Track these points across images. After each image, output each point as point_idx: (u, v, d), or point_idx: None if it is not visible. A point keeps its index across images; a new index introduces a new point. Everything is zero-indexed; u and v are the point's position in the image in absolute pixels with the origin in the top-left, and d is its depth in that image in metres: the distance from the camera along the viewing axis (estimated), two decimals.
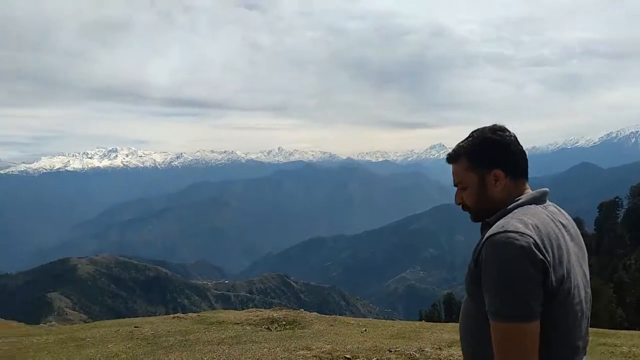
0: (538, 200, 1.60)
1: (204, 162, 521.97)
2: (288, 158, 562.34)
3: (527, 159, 1.66)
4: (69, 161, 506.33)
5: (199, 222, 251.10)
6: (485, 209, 1.67)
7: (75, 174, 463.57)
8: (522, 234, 1.43)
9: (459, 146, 1.72)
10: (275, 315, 8.95)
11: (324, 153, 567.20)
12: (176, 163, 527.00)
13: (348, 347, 6.04)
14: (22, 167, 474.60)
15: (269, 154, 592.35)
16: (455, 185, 1.74)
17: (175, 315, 9.87)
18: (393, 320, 14.23)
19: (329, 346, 6.04)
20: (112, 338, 7.00)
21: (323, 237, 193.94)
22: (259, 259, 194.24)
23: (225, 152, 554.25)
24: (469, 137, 1.72)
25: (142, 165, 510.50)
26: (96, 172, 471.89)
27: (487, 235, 1.51)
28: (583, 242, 1.63)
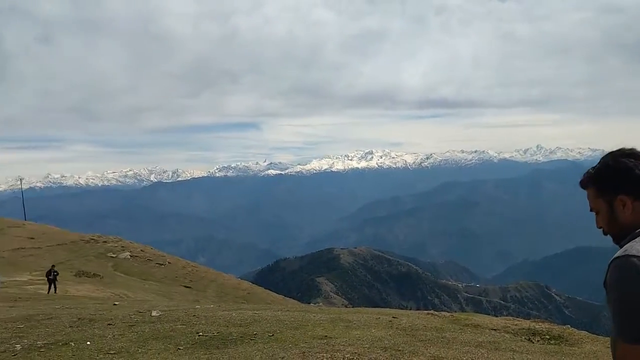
0: None
1: (453, 162, 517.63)
2: (548, 157, 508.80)
3: None
4: (333, 163, 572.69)
5: (448, 222, 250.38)
6: (617, 232, 1.72)
7: (338, 174, 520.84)
8: None
9: (588, 173, 1.79)
10: (537, 327, 8.22)
11: (594, 150, 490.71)
12: (426, 164, 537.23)
13: None
14: (298, 168, 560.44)
15: (525, 152, 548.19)
16: (591, 211, 1.81)
17: (429, 312, 10.08)
18: None
19: None
20: (374, 324, 7.60)
21: (593, 247, 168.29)
22: (514, 265, 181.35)
23: (475, 151, 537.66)
24: (598, 163, 1.78)
25: (394, 166, 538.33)
26: (355, 172, 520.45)
27: (611, 258, 1.60)
28: None
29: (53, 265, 21.82)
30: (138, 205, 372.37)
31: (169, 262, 45.45)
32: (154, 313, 8.17)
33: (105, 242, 46.85)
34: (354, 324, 7.50)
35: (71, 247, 41.71)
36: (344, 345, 5.51)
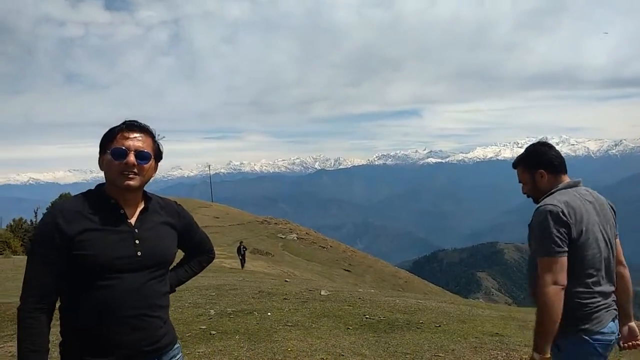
0: (571, 186, 2.42)
1: None
2: None
3: (562, 159, 2.48)
4: (500, 151, 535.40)
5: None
6: (538, 196, 2.46)
7: (505, 162, 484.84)
8: (553, 205, 2.22)
9: (519, 156, 2.60)
10: None
11: None
12: (614, 151, 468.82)
13: None
14: (460, 156, 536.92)
15: None
16: (520, 182, 2.60)
17: None
18: None
19: None
20: None
21: None
22: None
23: None
24: (524, 151, 2.58)
25: (573, 154, 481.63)
26: None
27: (535, 208, 2.33)
28: (608, 212, 2.44)
29: (241, 242, 24.20)
30: (303, 191, 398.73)
31: (330, 246, 47.87)
32: (322, 292, 8.67)
33: (276, 224, 51.35)
34: (529, 324, 6.94)
35: (248, 226, 46.64)
36: (519, 345, 5.13)
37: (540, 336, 2.19)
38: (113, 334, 1.68)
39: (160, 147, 1.87)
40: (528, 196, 2.57)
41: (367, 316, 6.51)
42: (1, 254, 27.44)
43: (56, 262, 1.65)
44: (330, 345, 4.97)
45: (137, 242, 1.75)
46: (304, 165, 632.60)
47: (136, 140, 1.75)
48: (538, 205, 2.36)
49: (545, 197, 2.39)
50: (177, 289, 2.08)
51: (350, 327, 5.87)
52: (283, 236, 45.74)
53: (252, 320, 6.21)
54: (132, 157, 1.72)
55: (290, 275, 23.13)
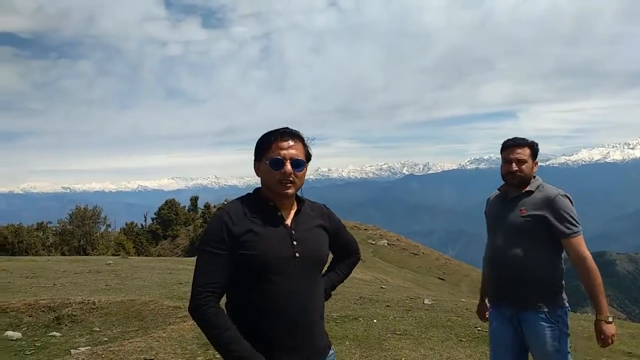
0: None
1: None
2: None
3: None
4: (608, 152, 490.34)
5: None
6: (526, 179, 2.77)
7: (614, 165, 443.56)
8: (565, 192, 2.76)
9: (525, 139, 2.84)
10: None
11: None
12: None
13: None
14: (562, 159, 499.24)
15: None
16: (518, 162, 2.79)
17: None
18: None
19: None
20: None
21: None
22: None
23: None
24: (526, 139, 2.88)
25: None
26: (637, 163, 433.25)
27: (560, 193, 2.74)
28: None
29: None
30: (392, 196, 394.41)
31: (422, 253, 46.56)
32: (426, 301, 8.39)
33: (365, 229, 51.10)
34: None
35: None
36: None
37: (604, 298, 2.74)
38: (274, 335, 1.71)
39: (310, 150, 1.91)
40: (510, 177, 2.79)
41: (479, 328, 6.15)
42: (118, 255, 30.21)
43: (224, 260, 1.72)
44: (445, 358, 4.75)
45: (294, 243, 1.79)
46: (392, 170, 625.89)
47: (291, 149, 1.82)
48: (556, 192, 2.73)
49: (542, 185, 2.80)
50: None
51: (464, 339, 5.59)
52: (373, 242, 45.34)
53: (359, 326, 6.15)
54: (289, 167, 1.79)
55: (384, 282, 22.83)
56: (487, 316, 3.09)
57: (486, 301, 3.12)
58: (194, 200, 59.11)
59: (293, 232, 1.81)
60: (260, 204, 1.83)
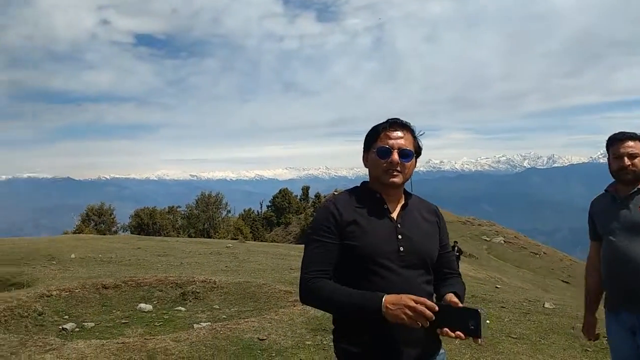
0: None
1: None
2: None
3: None
4: None
5: None
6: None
7: None
8: None
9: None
10: None
11: None
12: None
13: None
14: None
15: None
16: (633, 155, 2.57)
17: None
18: None
19: None
20: None
21: None
22: None
23: None
24: None
25: None
26: None
27: None
28: None
29: (455, 242, 23.13)
30: (509, 191, 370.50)
31: (544, 253, 43.15)
32: (546, 304, 7.73)
33: (479, 225, 48.75)
34: None
35: (450, 227, 44.28)
36: None
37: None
38: (380, 327, 1.65)
39: (420, 143, 1.87)
40: (623, 173, 2.56)
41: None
42: (236, 239, 32.40)
43: (331, 249, 1.73)
44: None
45: (399, 237, 1.75)
46: (511, 163, 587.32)
47: (399, 139, 1.78)
48: None
49: None
50: None
51: (589, 350, 5.05)
52: (488, 239, 43.20)
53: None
54: (395, 156, 1.75)
55: (498, 281, 21.60)
56: (596, 333, 2.84)
57: (596, 314, 2.82)
58: (306, 190, 61.23)
59: (399, 225, 1.77)
60: (366, 196, 1.82)
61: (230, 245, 16.87)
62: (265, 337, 5.02)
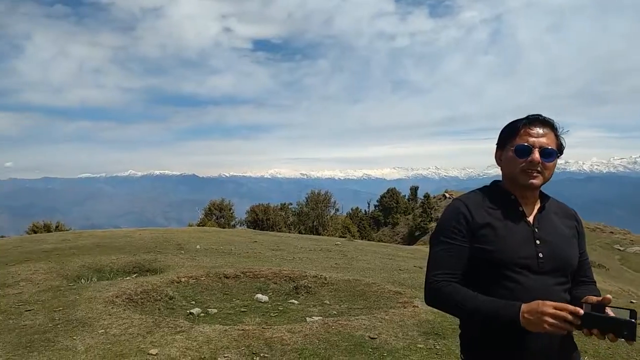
0: None
1: None
2: None
3: None
4: None
5: None
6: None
7: None
8: None
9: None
10: None
11: None
12: None
13: None
14: None
15: None
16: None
17: None
18: None
19: None
20: None
21: None
22: None
23: None
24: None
25: None
26: None
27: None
28: None
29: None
30: None
31: None
32: None
33: (611, 232, 43.93)
34: None
35: None
36: None
37: None
38: (514, 336, 1.55)
39: (563, 141, 1.71)
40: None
41: None
42: (344, 237, 32.86)
43: (460, 251, 1.65)
44: None
45: (537, 242, 1.63)
46: None
47: (541, 137, 1.65)
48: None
49: None
50: None
51: None
52: (621, 248, 38.77)
53: (602, 342, 5.29)
54: (536, 155, 1.62)
55: (633, 295, 19.26)
56: None
57: None
58: (414, 190, 60.07)
59: (536, 230, 1.65)
60: (500, 197, 1.71)
61: (339, 243, 17.13)
62: (375, 336, 5.02)
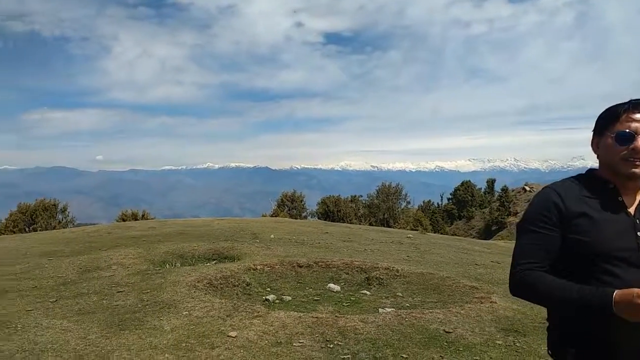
0: None
1: None
2: None
3: None
4: None
5: None
6: None
7: None
8: None
9: None
10: None
11: None
12: None
13: None
14: None
15: None
16: None
17: None
18: None
19: None
20: None
21: None
22: None
23: None
24: None
25: None
26: None
27: None
28: None
29: None
30: None
31: None
32: None
33: None
34: None
35: None
36: None
37: None
38: (613, 332, 1.46)
39: None
40: None
41: None
42: (416, 230, 32.33)
43: (550, 241, 1.57)
44: None
45: (639, 234, 1.52)
46: None
47: None
48: None
49: None
50: None
51: None
52: None
53: None
54: (639, 143, 1.51)
55: None
56: None
57: None
58: (491, 182, 57.67)
59: (637, 221, 1.54)
60: (597, 186, 1.60)
61: (410, 235, 16.87)
62: (451, 330, 4.91)
